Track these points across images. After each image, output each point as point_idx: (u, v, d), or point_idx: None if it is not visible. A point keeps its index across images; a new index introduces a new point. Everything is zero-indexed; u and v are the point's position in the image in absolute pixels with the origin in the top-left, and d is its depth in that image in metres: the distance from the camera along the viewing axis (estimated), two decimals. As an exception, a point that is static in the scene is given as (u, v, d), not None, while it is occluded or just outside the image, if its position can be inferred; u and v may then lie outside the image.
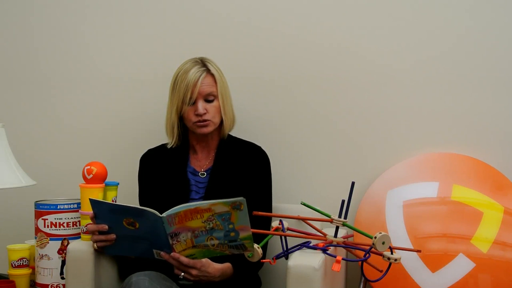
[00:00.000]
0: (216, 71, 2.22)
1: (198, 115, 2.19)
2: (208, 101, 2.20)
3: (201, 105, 2.19)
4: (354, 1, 2.46)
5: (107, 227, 2.00)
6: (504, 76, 2.37)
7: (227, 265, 2.08)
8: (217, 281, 2.05)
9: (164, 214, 1.89)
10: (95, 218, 2.01)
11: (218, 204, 1.85)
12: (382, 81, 2.45)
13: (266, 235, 2.02)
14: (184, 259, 1.95)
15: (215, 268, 2.03)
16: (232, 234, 1.89)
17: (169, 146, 2.29)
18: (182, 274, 1.98)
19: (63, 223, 2.25)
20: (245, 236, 1.89)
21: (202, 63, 2.22)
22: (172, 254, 1.95)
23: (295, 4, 2.49)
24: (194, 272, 1.98)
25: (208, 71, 2.21)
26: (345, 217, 2.01)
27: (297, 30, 2.49)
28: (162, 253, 1.96)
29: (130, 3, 2.64)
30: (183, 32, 2.58)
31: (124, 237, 2.00)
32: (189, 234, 1.91)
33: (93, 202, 1.99)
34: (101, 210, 2.00)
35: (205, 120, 2.20)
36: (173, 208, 1.89)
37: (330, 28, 2.47)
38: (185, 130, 2.28)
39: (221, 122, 2.26)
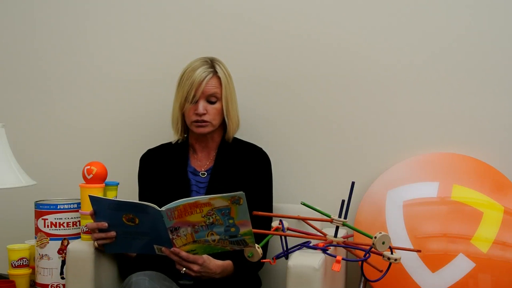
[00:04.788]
0: (223, 73, 2.22)
1: (197, 114, 2.19)
2: (210, 102, 2.20)
3: (201, 105, 2.19)
4: (356, 2, 2.46)
5: (106, 224, 2.00)
6: (505, 76, 2.37)
7: (227, 262, 2.08)
8: (217, 278, 2.05)
9: (163, 208, 1.89)
10: (95, 215, 2.02)
11: (218, 199, 1.85)
12: (382, 81, 2.45)
13: (266, 235, 2.02)
14: (184, 254, 1.95)
15: (216, 264, 2.04)
16: (233, 229, 1.89)
17: (173, 142, 2.29)
18: (184, 269, 1.99)
19: (63, 223, 2.26)
20: (245, 232, 1.89)
21: (211, 63, 2.22)
22: (172, 249, 1.95)
23: (299, 4, 2.49)
24: (195, 267, 1.98)
25: (215, 72, 2.21)
26: (345, 217, 2.01)
27: (299, 30, 2.49)
28: (163, 248, 1.97)
29: (130, 2, 2.64)
30: (185, 32, 2.58)
31: (124, 233, 2.00)
32: (189, 229, 1.91)
33: (92, 199, 1.99)
34: (100, 207, 2.00)
35: (204, 121, 2.20)
36: (172, 202, 1.89)
37: (331, 28, 2.47)
38: (187, 127, 2.29)
39: (224, 125, 2.27)
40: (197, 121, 2.20)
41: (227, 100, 2.22)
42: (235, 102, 2.27)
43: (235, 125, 2.27)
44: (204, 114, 2.19)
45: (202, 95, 2.19)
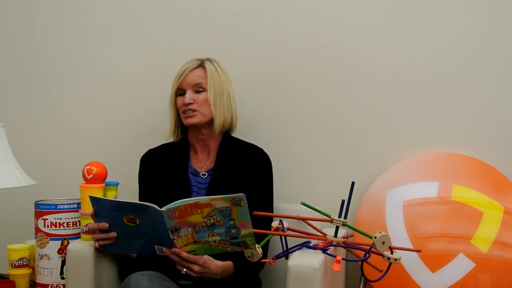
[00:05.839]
0: (212, 67, 2.23)
1: (185, 104, 2.20)
2: (197, 92, 2.22)
3: (188, 95, 2.21)
4: (356, 2, 2.46)
5: (107, 225, 2.00)
6: (504, 76, 2.37)
7: (228, 263, 2.08)
8: (218, 279, 2.05)
9: (164, 208, 1.89)
10: (95, 216, 2.02)
11: (218, 200, 1.85)
12: (382, 81, 2.45)
13: (266, 235, 2.02)
14: (184, 254, 1.95)
15: (217, 265, 2.04)
16: (233, 230, 1.89)
17: (172, 141, 2.30)
18: (184, 270, 1.99)
19: (63, 223, 2.26)
20: (246, 233, 1.89)
21: (201, 59, 2.25)
22: (173, 249, 1.95)
23: (299, 4, 2.49)
24: (196, 268, 1.98)
25: (201, 65, 2.23)
26: (345, 217, 2.01)
27: (299, 30, 2.49)
28: (164, 248, 1.97)
29: (130, 2, 2.64)
30: (185, 32, 2.58)
31: (125, 234, 2.00)
32: (190, 229, 1.91)
33: (93, 200, 1.99)
34: (101, 207, 2.00)
35: (192, 110, 2.20)
36: (173, 203, 1.89)
37: (331, 28, 2.47)
38: (185, 128, 2.29)
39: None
40: (185, 111, 2.21)
41: (215, 92, 2.22)
42: (228, 97, 2.25)
43: (222, 119, 2.23)
44: (191, 103, 2.20)
45: (188, 86, 2.21)
